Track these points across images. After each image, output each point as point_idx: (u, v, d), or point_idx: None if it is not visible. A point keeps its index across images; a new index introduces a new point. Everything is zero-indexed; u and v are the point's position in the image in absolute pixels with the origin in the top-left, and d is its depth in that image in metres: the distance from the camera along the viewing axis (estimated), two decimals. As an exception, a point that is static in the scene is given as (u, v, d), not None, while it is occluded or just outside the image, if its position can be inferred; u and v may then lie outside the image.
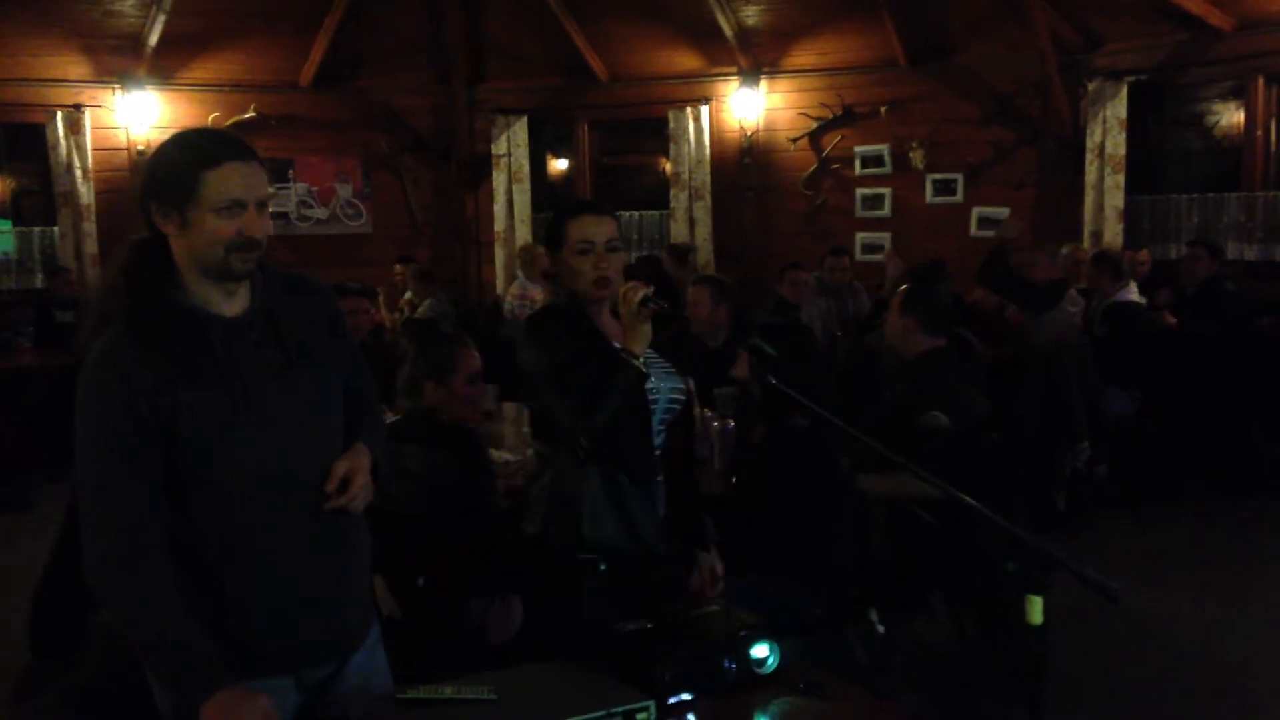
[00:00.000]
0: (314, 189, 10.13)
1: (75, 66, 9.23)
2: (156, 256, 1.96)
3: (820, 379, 5.61)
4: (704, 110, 9.87)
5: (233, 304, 1.99)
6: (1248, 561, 5.52)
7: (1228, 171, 8.44)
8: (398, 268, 9.00)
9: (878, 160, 9.56)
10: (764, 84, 9.82)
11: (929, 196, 9.43)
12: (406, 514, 3.14)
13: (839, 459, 4.12)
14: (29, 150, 9.45)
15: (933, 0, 9.00)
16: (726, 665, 2.14)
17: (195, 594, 1.91)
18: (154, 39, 9.07)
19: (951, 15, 9.08)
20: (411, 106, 10.33)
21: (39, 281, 9.37)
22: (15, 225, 9.45)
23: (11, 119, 9.29)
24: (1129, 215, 8.57)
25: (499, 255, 10.40)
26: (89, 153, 9.24)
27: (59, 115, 9.12)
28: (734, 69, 9.79)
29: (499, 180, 10.31)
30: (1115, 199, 8.53)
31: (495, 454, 4.13)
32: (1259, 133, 8.11)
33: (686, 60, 9.95)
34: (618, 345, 2.63)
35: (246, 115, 9.55)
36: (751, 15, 9.44)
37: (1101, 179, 8.57)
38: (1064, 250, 7.46)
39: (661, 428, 2.75)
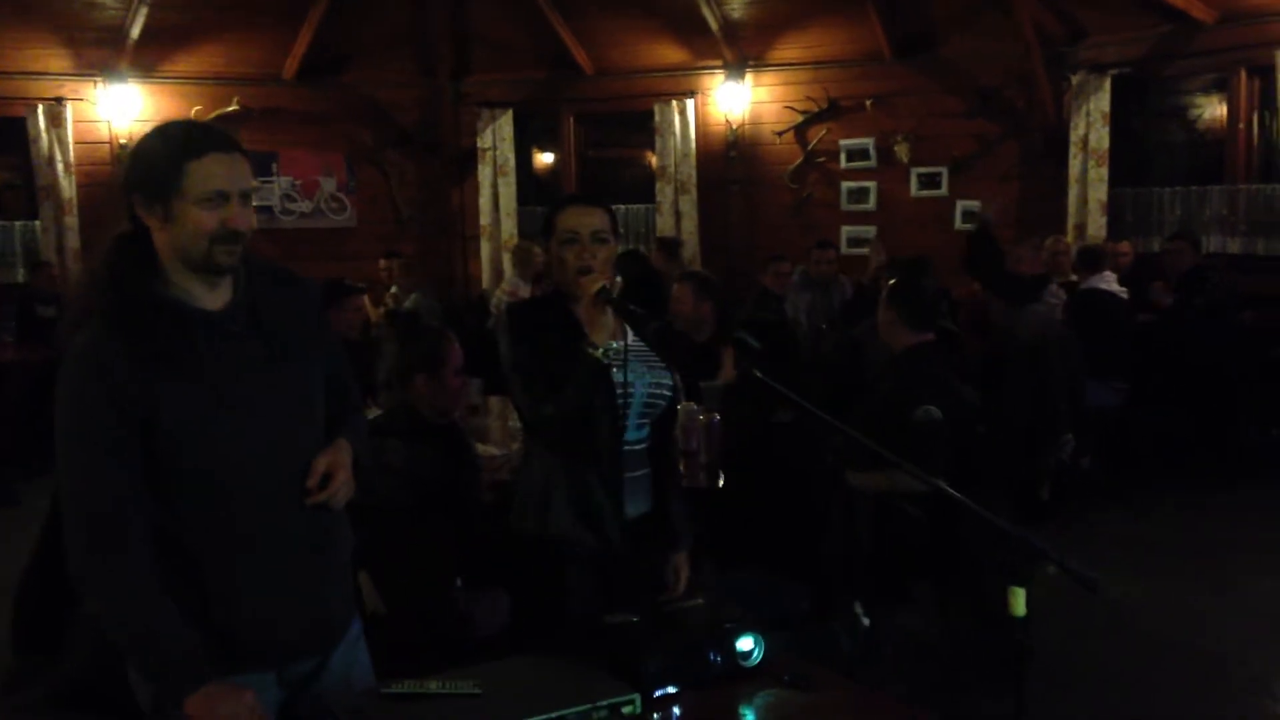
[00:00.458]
0: (298, 182, 10.08)
1: (56, 59, 9.17)
2: (139, 250, 1.95)
3: (805, 373, 5.63)
4: (689, 104, 9.87)
5: (215, 297, 1.98)
6: (1231, 551, 5.55)
7: (1210, 164, 8.48)
8: (382, 262, 8.98)
9: (863, 154, 9.58)
10: (749, 77, 9.82)
11: (914, 190, 9.45)
12: (390, 509, 3.13)
13: (824, 453, 4.14)
14: (10, 144, 9.38)
15: (917, -7, 9.03)
16: (712, 658, 2.14)
17: (177, 587, 1.90)
18: (136, 31, 9.01)
19: (936, 8, 9.10)
20: (396, 100, 10.29)
21: (20, 276, 9.31)
22: (-4, 219, 9.41)
23: (-8, 112, 9.23)
24: (1112, 208, 8.60)
25: (484, 249, 10.37)
26: (70, 146, 9.18)
27: (40, 108, 9.05)
28: (719, 62, 9.78)
29: (484, 174, 10.27)
30: (1099, 192, 8.56)
31: (481, 448, 4.13)
32: (1241, 125, 8.14)
33: (672, 53, 9.94)
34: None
35: (229, 108, 9.49)
36: (737, 8, 9.43)
37: (1085, 172, 8.60)
38: (1046, 243, 7.48)
39: (642, 422, 2.74)
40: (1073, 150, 8.66)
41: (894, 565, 4.04)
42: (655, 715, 2.03)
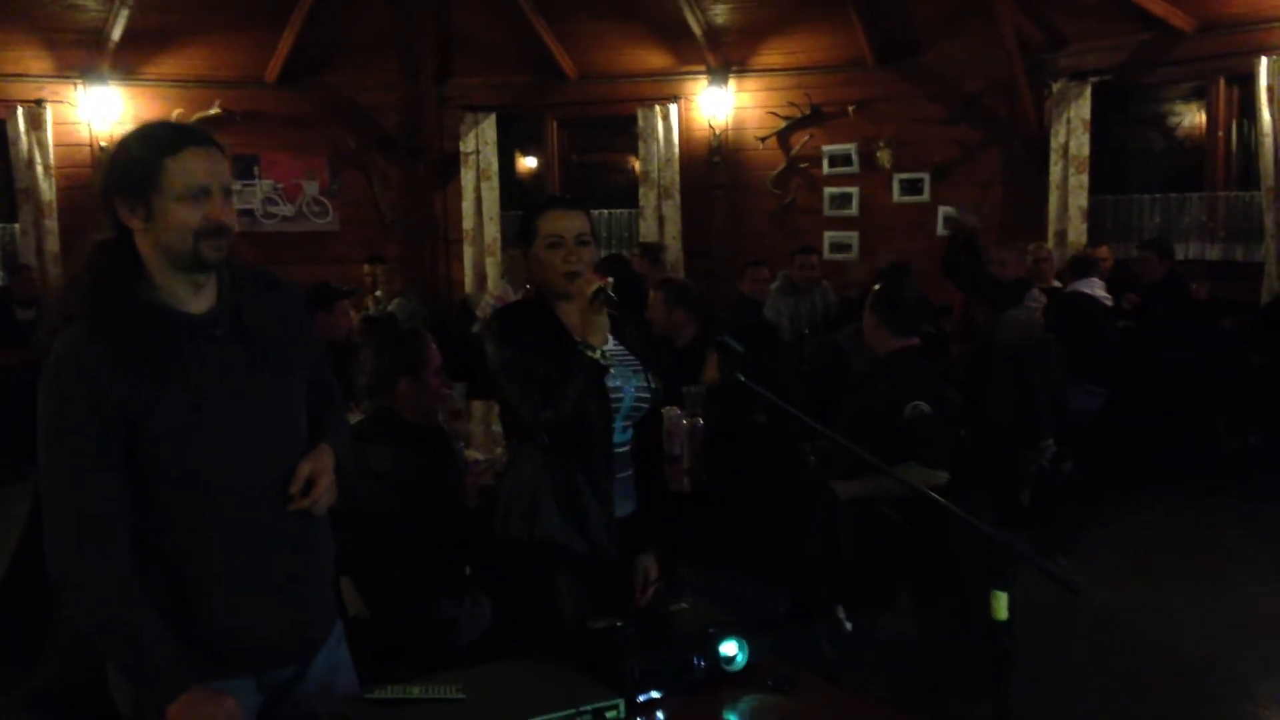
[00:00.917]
0: (280, 186, 10.04)
1: (37, 61, 9.11)
2: (122, 254, 1.93)
3: (787, 377, 5.64)
4: (673, 109, 9.88)
5: (200, 300, 1.97)
6: (1211, 554, 5.59)
7: (1190, 172, 8.54)
8: (366, 267, 8.94)
9: (845, 159, 9.61)
10: (733, 83, 9.84)
11: (896, 195, 9.48)
12: (373, 514, 3.12)
13: (805, 456, 4.15)
14: (-11, 146, 9.33)
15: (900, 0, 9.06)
16: (696, 662, 2.14)
17: (158, 591, 1.90)
18: (117, 34, 8.97)
19: (918, 15, 9.13)
20: (379, 103, 10.27)
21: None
22: (-25, 222, 9.33)
23: (-28, 114, 9.17)
24: (1093, 215, 8.66)
25: (467, 253, 10.35)
26: (50, 148, 9.13)
27: (20, 110, 9.00)
28: (703, 67, 9.80)
29: (467, 178, 10.25)
30: (1079, 199, 8.61)
31: (466, 453, 4.12)
32: (1220, 133, 8.21)
33: (655, 58, 9.95)
34: (579, 339, 2.63)
35: (211, 111, 9.45)
36: (720, 14, 9.45)
37: (1066, 178, 8.65)
38: (1029, 248, 7.53)
39: (626, 424, 2.75)
40: (1053, 157, 8.71)
41: (876, 569, 4.06)
42: (639, 720, 2.03)
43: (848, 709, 2.20)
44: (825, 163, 9.69)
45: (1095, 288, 6.90)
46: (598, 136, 10.99)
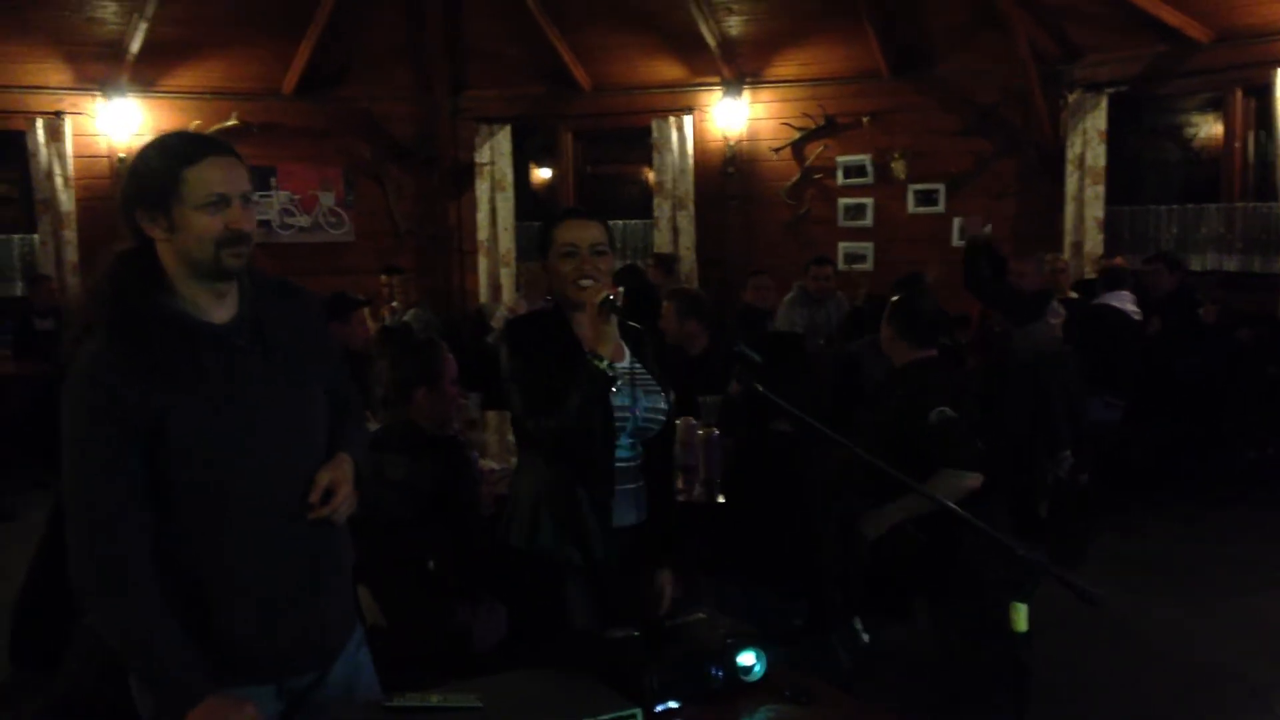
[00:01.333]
0: (296, 197, 10.09)
1: (56, 73, 9.18)
2: (143, 264, 1.95)
3: (810, 387, 5.64)
4: (687, 120, 9.89)
5: (222, 310, 1.98)
6: (1226, 565, 5.57)
7: (1206, 183, 8.51)
8: (383, 278, 8.96)
9: (860, 170, 9.61)
10: (747, 94, 9.85)
11: (911, 207, 9.47)
12: (390, 522, 3.13)
13: (824, 465, 4.14)
14: (9, 157, 9.38)
15: (914, 11, 9.06)
16: (713, 672, 2.14)
17: (177, 599, 1.90)
18: (136, 46, 9.03)
19: (933, 26, 9.13)
20: (394, 114, 10.31)
21: (19, 290, 9.30)
22: (-5, 233, 9.40)
23: (-9, 125, 9.24)
24: (1109, 226, 8.63)
25: (482, 264, 10.38)
26: (69, 160, 9.17)
27: (39, 122, 9.05)
28: (717, 79, 9.82)
29: (482, 189, 10.29)
30: (1095, 210, 8.59)
31: (482, 462, 4.13)
32: (1237, 144, 8.17)
33: (670, 70, 9.97)
34: (588, 350, 2.64)
35: (228, 123, 9.49)
36: (734, 25, 9.47)
37: (1082, 190, 8.63)
38: (1046, 259, 7.50)
39: (634, 441, 2.76)
40: (1069, 168, 8.69)
41: (892, 581, 4.04)
42: (656, 730, 2.03)
43: (865, 720, 2.20)
44: (840, 174, 9.69)
45: (1125, 301, 6.87)
46: (612, 148, 11.02)
